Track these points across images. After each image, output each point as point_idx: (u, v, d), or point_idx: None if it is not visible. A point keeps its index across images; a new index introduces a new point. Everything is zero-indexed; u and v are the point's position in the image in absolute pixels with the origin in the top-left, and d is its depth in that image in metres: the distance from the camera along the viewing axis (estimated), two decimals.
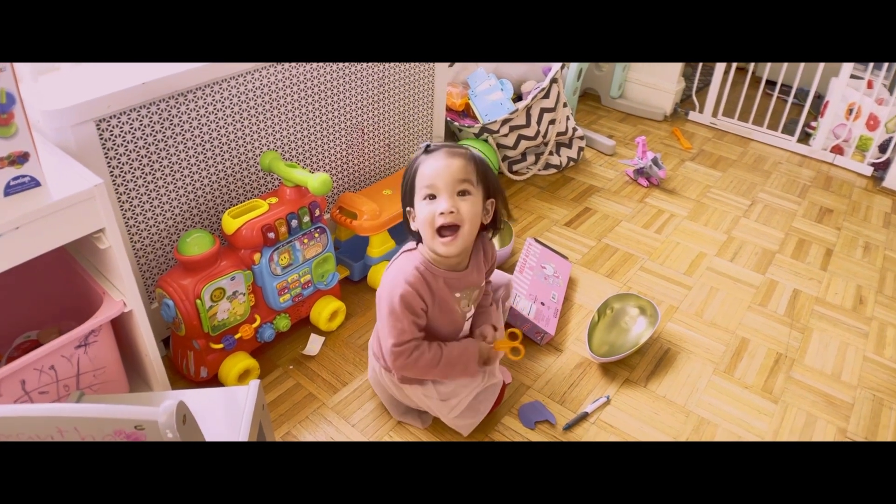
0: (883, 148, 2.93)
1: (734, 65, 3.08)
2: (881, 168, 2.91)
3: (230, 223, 1.50)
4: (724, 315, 1.92)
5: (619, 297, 1.84)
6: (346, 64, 1.77)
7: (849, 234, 2.42)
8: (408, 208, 1.34)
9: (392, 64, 1.90)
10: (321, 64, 1.70)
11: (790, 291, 2.04)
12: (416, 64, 1.98)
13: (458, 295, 1.35)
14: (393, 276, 1.32)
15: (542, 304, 1.78)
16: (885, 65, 2.94)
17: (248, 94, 1.58)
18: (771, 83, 3.33)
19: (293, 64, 1.64)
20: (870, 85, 3.01)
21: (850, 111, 2.93)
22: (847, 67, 2.86)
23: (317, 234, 1.63)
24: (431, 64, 2.03)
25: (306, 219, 1.58)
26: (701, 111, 3.20)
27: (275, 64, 1.60)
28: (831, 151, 3.00)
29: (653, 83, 3.17)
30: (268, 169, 1.59)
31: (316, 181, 1.50)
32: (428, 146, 1.29)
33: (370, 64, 1.83)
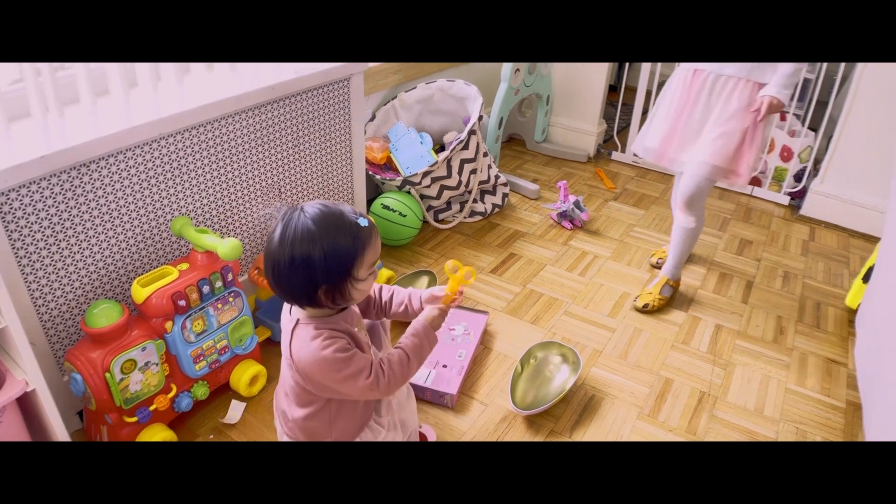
0: (798, 177, 3.04)
1: (652, 103, 3.17)
2: (798, 197, 3.01)
3: (139, 292, 1.46)
4: (647, 356, 1.94)
5: (541, 346, 1.85)
6: (258, 126, 1.76)
7: (768, 264, 2.49)
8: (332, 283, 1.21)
9: (306, 120, 1.90)
10: (232, 127, 1.69)
11: (712, 327, 2.08)
12: (332, 118, 1.98)
13: (356, 329, 1.33)
14: (308, 348, 1.26)
15: (445, 366, 1.77)
16: (796, 96, 3.06)
17: (154, 162, 1.55)
18: None
19: (202, 129, 1.62)
20: (783, 117, 3.12)
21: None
22: None
23: (231, 299, 1.60)
24: (348, 118, 2.03)
25: (219, 284, 1.55)
26: (623, 151, 3.27)
27: (181, 131, 1.58)
28: (749, 183, 3.09)
29: (575, 126, 3.25)
30: (178, 234, 1.57)
31: (225, 247, 1.48)
32: (364, 222, 1.23)
33: (284, 123, 1.83)
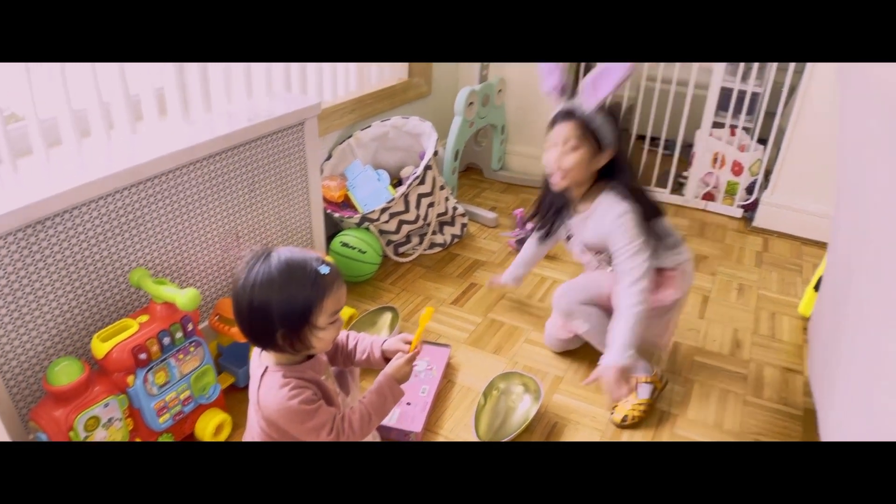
0: (750, 190, 3.12)
1: None
2: (750, 209, 3.10)
3: (99, 347, 1.47)
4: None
5: (503, 377, 1.88)
6: (213, 174, 1.78)
7: (723, 278, 2.55)
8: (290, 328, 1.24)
9: (262, 166, 1.92)
10: (187, 177, 1.71)
11: (670, 345, 2.13)
12: (287, 162, 2.01)
13: (323, 377, 1.35)
14: (275, 396, 1.27)
15: (409, 403, 1.79)
16: (744, 110, 3.15)
17: (110, 216, 1.57)
18: (641, 137, 3.51)
19: (157, 181, 1.64)
20: (732, 132, 3.22)
21: (715, 160, 3.12)
22: (708, 118, 3.07)
23: (192, 349, 1.61)
24: (303, 161, 2.06)
25: (179, 335, 1.57)
26: None
27: (136, 184, 1.59)
28: (703, 199, 3.17)
29: (530, 153, 3.31)
30: (137, 286, 1.58)
31: (184, 297, 1.50)
32: (325, 270, 1.24)
33: (239, 171, 1.85)
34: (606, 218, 1.68)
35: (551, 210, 1.87)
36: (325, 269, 1.22)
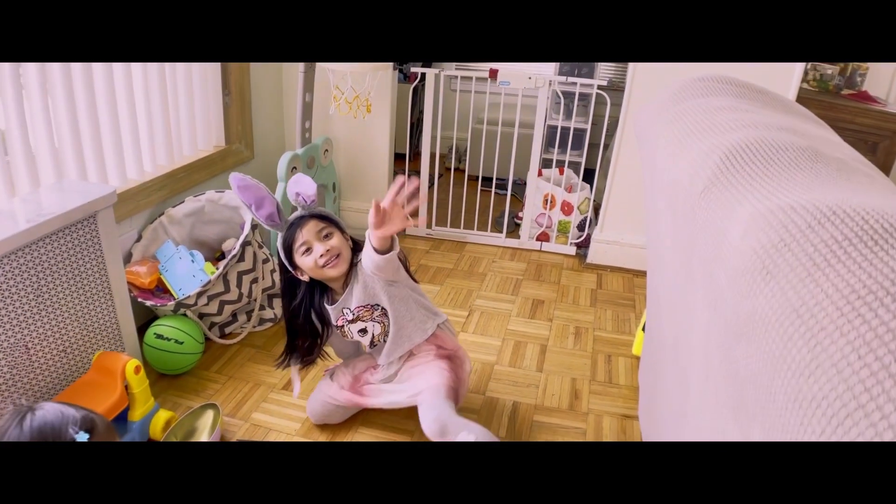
0: (581, 227, 3.20)
1: (436, 169, 3.25)
2: (583, 246, 3.18)
3: None
4: None
5: None
6: None
7: (560, 322, 2.58)
8: None
9: (49, 268, 1.73)
10: None
11: (510, 406, 2.10)
12: (81, 258, 1.83)
13: None
14: None
15: None
16: (569, 144, 3.24)
17: None
18: (474, 178, 3.54)
19: None
20: (561, 171, 3.30)
21: (546, 201, 3.18)
22: (536, 158, 3.12)
23: None
24: (100, 254, 1.88)
25: None
26: (416, 225, 3.31)
27: None
28: (538, 240, 3.23)
29: (366, 208, 3.23)
30: None
31: None
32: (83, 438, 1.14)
33: (21, 276, 1.66)
34: (363, 264, 1.77)
35: (306, 338, 1.91)
36: (82, 437, 1.09)
